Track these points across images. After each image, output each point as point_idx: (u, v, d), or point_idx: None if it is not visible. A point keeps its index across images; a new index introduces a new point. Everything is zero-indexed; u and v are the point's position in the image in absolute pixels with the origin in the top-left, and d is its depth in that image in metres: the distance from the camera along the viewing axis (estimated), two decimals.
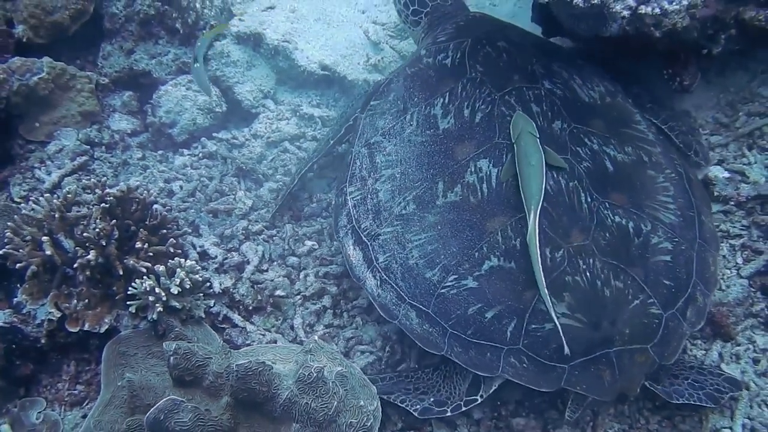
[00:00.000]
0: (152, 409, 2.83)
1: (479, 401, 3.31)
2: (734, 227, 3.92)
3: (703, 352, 3.61)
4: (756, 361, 3.54)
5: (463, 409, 3.31)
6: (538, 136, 3.43)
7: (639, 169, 3.58)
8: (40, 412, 3.58)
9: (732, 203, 3.96)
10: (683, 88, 4.18)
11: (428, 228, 3.44)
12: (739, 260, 3.82)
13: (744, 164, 4.08)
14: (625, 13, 2.84)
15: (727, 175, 4.03)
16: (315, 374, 2.98)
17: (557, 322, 3.05)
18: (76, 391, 3.67)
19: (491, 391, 3.30)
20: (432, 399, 3.34)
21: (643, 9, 2.81)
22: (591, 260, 3.24)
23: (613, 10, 2.86)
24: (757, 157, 4.09)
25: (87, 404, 3.62)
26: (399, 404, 3.34)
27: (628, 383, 3.16)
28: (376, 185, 3.67)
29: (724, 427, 3.35)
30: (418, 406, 3.32)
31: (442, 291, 3.31)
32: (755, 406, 3.40)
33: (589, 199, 3.39)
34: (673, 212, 3.49)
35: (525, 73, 3.82)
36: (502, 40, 3.99)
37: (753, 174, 4.01)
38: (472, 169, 3.50)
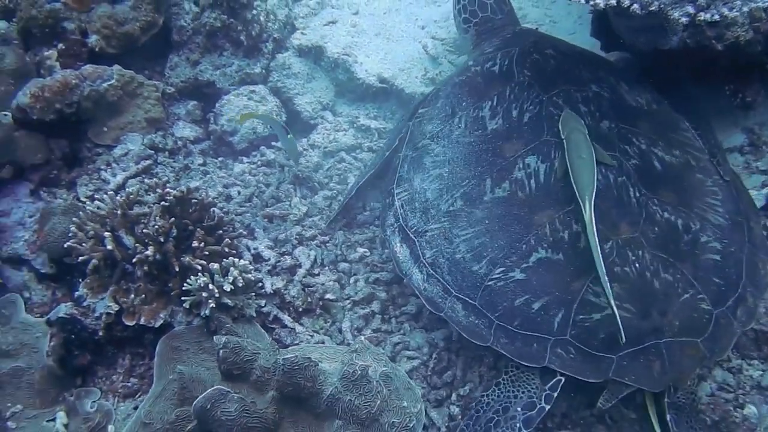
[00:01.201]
0: (200, 398, 2.90)
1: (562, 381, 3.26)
2: None
3: (760, 372, 3.51)
4: None
5: (554, 394, 3.24)
6: (586, 132, 3.44)
7: (687, 171, 3.59)
8: (94, 402, 3.70)
9: None
10: (745, 105, 4.12)
11: (476, 223, 3.48)
12: None
13: None
14: (684, 19, 2.82)
15: None
16: (360, 372, 3.01)
17: (615, 311, 2.99)
18: (129, 384, 3.78)
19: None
20: (519, 408, 3.29)
21: (702, 15, 2.78)
22: (640, 252, 3.24)
23: (672, 17, 2.83)
24: None
25: (139, 396, 3.71)
26: None
27: (679, 374, 3.13)
28: (424, 185, 3.74)
29: None
30: (518, 425, 3.25)
31: (489, 283, 3.34)
32: None
33: (637, 194, 3.40)
34: (722, 215, 3.48)
35: (572, 77, 3.86)
36: (550, 48, 4.04)
37: None
38: (520, 166, 3.54)
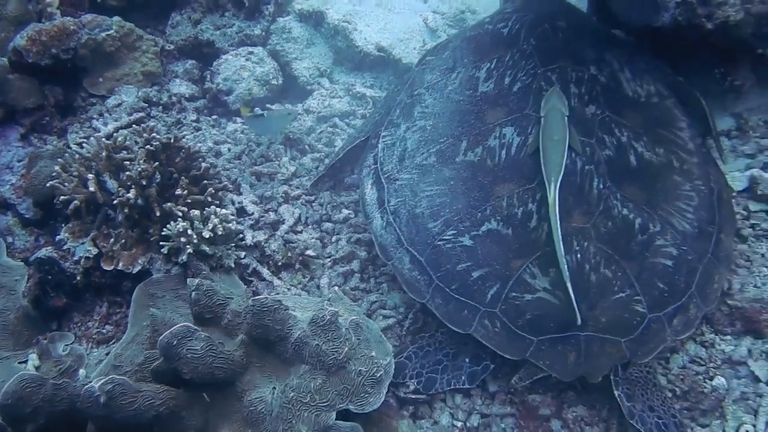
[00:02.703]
0: (166, 333, 2.86)
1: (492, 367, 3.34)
2: None
3: (733, 347, 3.48)
4: None
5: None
6: (567, 114, 3.42)
7: (665, 171, 3.50)
8: (67, 345, 3.69)
9: None
10: (734, 89, 4.13)
11: (442, 182, 3.48)
12: None
13: None
14: None
15: None
16: (328, 317, 2.98)
17: (571, 293, 3.01)
18: (104, 331, 3.78)
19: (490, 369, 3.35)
20: (467, 358, 3.39)
21: None
22: (586, 243, 3.21)
23: None
24: None
25: (113, 343, 3.71)
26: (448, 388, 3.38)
27: (591, 369, 3.13)
28: (407, 133, 3.73)
29: (747, 424, 3.22)
30: (463, 377, 3.35)
31: (439, 243, 3.34)
32: None
33: (600, 186, 3.35)
34: (690, 222, 3.39)
35: (575, 55, 3.80)
36: (564, 20, 3.98)
37: None
38: (497, 134, 3.52)
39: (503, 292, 3.19)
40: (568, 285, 3.01)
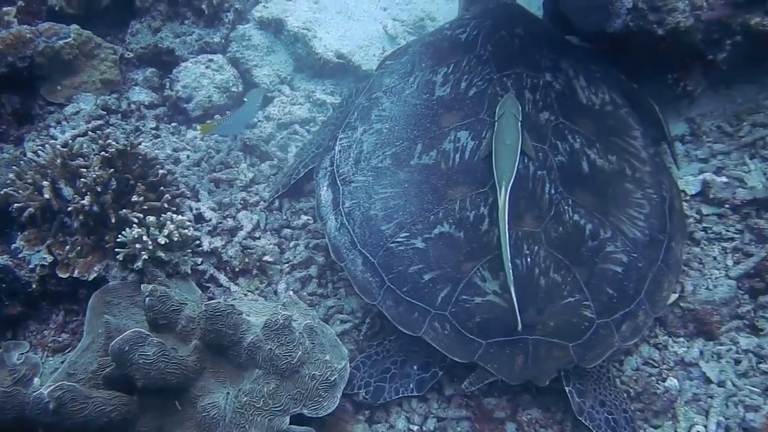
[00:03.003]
0: (117, 339, 2.85)
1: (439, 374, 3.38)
2: (728, 230, 3.87)
3: (685, 349, 3.55)
4: (737, 362, 3.47)
5: (448, 360, 3.30)
6: (521, 119, 3.46)
7: (617, 179, 3.54)
8: (22, 354, 3.65)
9: (727, 206, 3.92)
10: (686, 94, 4.19)
11: (396, 184, 3.51)
12: (729, 262, 3.76)
13: (744, 172, 4.03)
14: None
15: (724, 179, 4.00)
16: (281, 321, 2.99)
17: (514, 298, 3.06)
18: (60, 339, 3.75)
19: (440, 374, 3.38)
20: (415, 366, 3.41)
21: None
22: (536, 247, 3.25)
23: None
24: (757, 165, 4.04)
25: (69, 351, 3.66)
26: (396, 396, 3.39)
27: (538, 373, 3.16)
28: (364, 136, 3.76)
29: (698, 424, 3.28)
30: (411, 385, 3.38)
31: (391, 245, 3.37)
32: (731, 405, 3.32)
33: (552, 191, 3.39)
34: (641, 230, 3.43)
35: (531, 62, 3.86)
36: (521, 28, 4.02)
37: (751, 180, 3.96)
38: (452, 138, 3.56)
39: (454, 295, 3.21)
40: (512, 289, 3.06)
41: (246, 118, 4.47)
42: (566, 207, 3.37)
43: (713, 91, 4.40)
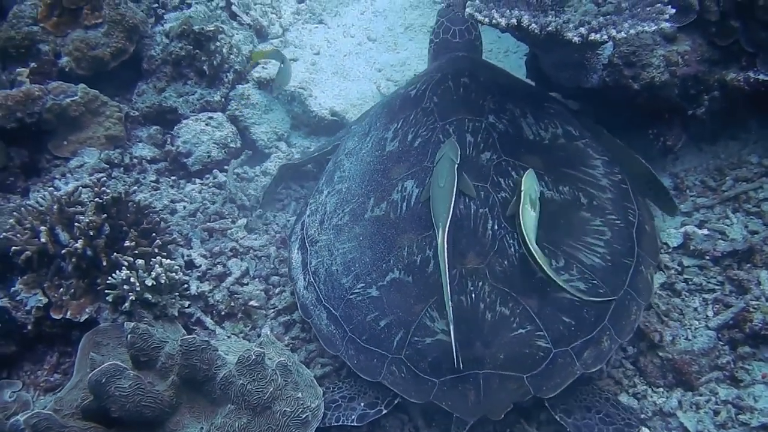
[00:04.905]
0: (95, 371, 2.96)
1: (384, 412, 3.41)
2: (709, 282, 3.92)
3: (664, 399, 3.56)
4: (716, 413, 3.46)
5: (395, 401, 3.39)
6: (457, 162, 3.53)
7: (569, 209, 3.59)
8: (14, 392, 3.76)
9: (708, 258, 3.97)
10: (667, 149, 4.29)
11: (353, 238, 3.66)
12: (710, 313, 3.79)
13: (726, 225, 4.12)
14: (576, 39, 3.03)
15: (705, 232, 4.07)
16: (254, 357, 3.08)
17: (453, 336, 3.10)
18: (52, 379, 3.86)
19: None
20: (362, 403, 3.43)
21: (593, 36, 2.99)
22: (480, 283, 3.32)
23: (567, 36, 3.05)
24: (739, 218, 4.13)
25: (59, 390, 3.75)
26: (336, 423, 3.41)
27: (492, 407, 3.18)
28: (328, 198, 3.95)
29: None
30: (353, 416, 3.39)
31: (351, 297, 3.51)
32: None
33: (495, 227, 3.45)
34: (601, 256, 3.48)
35: (474, 106, 3.89)
36: (468, 77, 4.07)
37: (732, 233, 4.04)
38: (399, 188, 3.70)
39: (407, 338, 3.32)
40: (451, 326, 3.10)
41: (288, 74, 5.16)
42: (511, 241, 3.42)
43: (697, 148, 4.54)
